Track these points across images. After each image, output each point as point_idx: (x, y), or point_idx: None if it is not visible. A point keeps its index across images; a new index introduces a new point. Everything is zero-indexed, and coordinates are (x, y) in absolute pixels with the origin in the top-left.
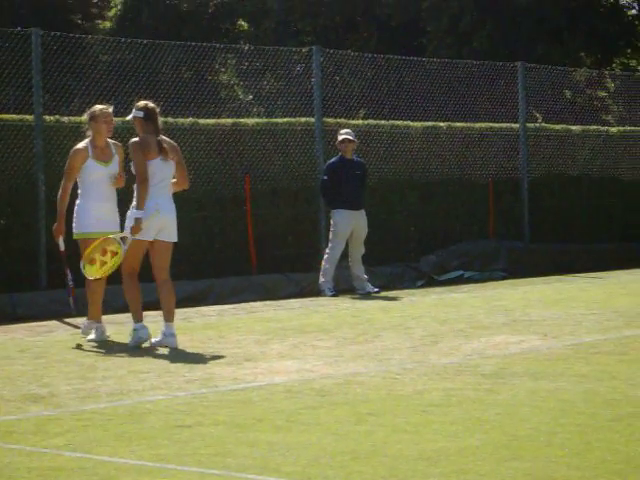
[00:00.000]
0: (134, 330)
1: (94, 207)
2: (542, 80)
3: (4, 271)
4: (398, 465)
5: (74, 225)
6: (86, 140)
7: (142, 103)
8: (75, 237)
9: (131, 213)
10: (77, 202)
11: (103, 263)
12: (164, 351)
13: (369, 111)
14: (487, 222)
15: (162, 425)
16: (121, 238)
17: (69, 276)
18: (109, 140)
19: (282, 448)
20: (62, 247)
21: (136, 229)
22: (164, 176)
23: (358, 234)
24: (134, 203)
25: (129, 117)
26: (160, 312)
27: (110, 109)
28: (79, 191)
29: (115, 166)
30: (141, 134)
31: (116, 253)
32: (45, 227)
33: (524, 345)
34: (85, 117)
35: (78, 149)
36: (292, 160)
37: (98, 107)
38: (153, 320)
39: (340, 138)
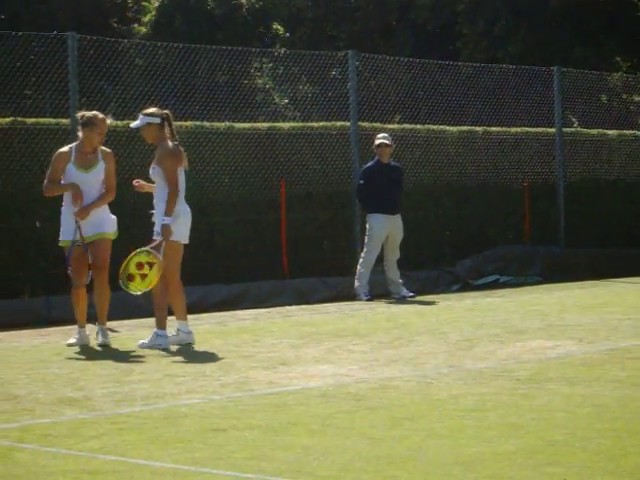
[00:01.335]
0: (166, 337)
1: (71, 214)
2: (578, 84)
3: (39, 274)
4: (433, 470)
5: (60, 231)
6: (72, 144)
7: (154, 109)
8: (60, 244)
9: (159, 219)
10: (61, 209)
11: (144, 276)
12: (199, 355)
13: (405, 115)
14: (523, 226)
15: (197, 428)
16: (152, 247)
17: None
18: (102, 147)
19: (317, 452)
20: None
21: (168, 234)
22: (183, 181)
23: (394, 238)
24: (158, 209)
25: (136, 124)
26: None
27: (107, 120)
28: (63, 196)
29: (98, 174)
30: (155, 141)
31: (153, 263)
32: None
33: (560, 350)
34: (79, 118)
35: (61, 152)
36: (327, 164)
37: (98, 115)
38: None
39: (377, 142)
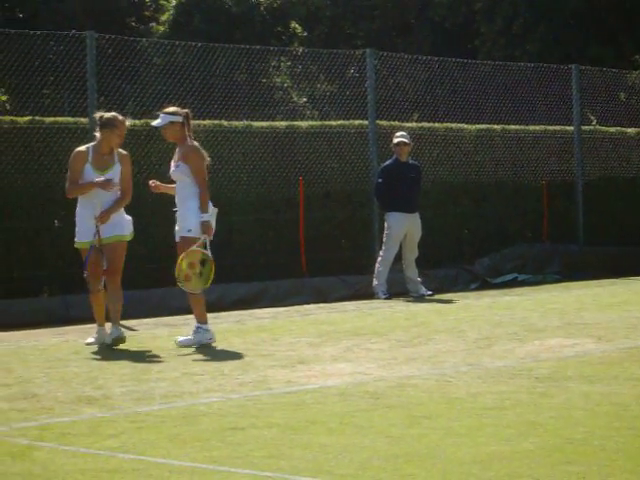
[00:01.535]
0: (206, 330)
1: (87, 216)
2: (596, 82)
3: (57, 273)
4: (451, 468)
5: (76, 232)
6: (90, 144)
7: (176, 108)
8: (75, 246)
9: (197, 217)
10: (76, 210)
11: (199, 274)
12: (218, 353)
13: (423, 114)
14: (541, 225)
15: (215, 427)
16: (197, 245)
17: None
18: (119, 149)
19: (335, 451)
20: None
21: (209, 231)
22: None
23: (412, 237)
24: (190, 207)
25: (158, 123)
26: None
27: (127, 122)
28: (78, 198)
29: (113, 176)
30: (177, 139)
31: (205, 260)
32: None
33: (578, 348)
34: (97, 119)
35: (79, 151)
36: (346, 163)
37: (118, 117)
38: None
39: (395, 141)
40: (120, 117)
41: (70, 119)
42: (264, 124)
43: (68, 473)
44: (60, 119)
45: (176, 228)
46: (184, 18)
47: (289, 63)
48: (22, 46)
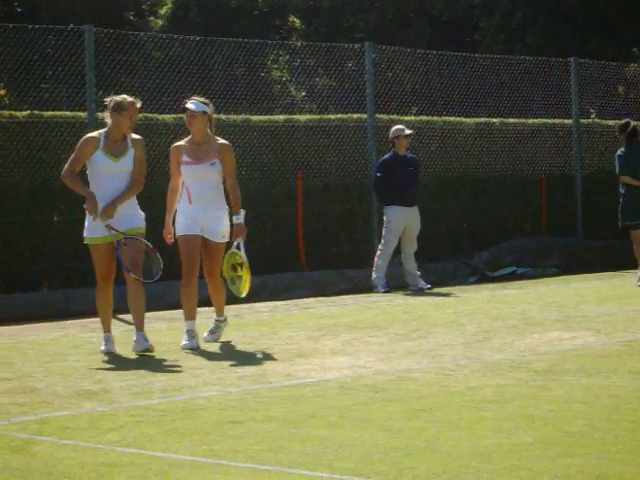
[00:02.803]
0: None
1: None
2: (595, 75)
3: (57, 267)
4: (451, 461)
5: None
6: (101, 130)
7: (204, 98)
8: (85, 242)
9: (234, 218)
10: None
11: (242, 278)
12: (217, 347)
13: (421, 107)
14: (540, 218)
15: (215, 421)
16: (237, 247)
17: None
18: (132, 135)
19: (335, 444)
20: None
21: (244, 233)
22: None
23: (411, 230)
24: (224, 208)
25: (194, 108)
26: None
27: (138, 104)
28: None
29: (127, 162)
30: (203, 132)
31: (241, 263)
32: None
33: (577, 341)
34: (108, 103)
35: (90, 136)
36: (344, 156)
37: (127, 98)
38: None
39: (394, 134)
40: (129, 99)
41: (69, 113)
42: (263, 118)
43: (68, 467)
44: (59, 113)
45: (198, 228)
46: (182, 12)
47: (287, 57)
48: (20, 40)
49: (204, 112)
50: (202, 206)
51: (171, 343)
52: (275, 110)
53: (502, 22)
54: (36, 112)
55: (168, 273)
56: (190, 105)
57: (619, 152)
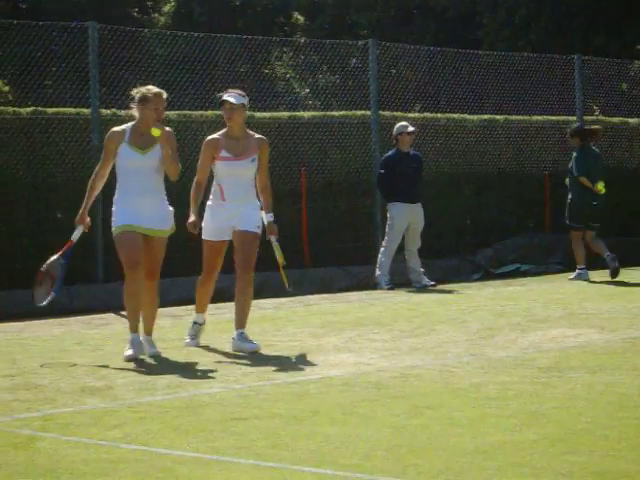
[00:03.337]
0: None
1: (128, 201)
2: (599, 73)
3: None
4: (454, 458)
5: (112, 221)
6: (129, 123)
7: (240, 90)
8: (113, 232)
9: (265, 217)
10: (114, 198)
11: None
12: (221, 344)
13: (425, 104)
14: (543, 215)
15: (218, 417)
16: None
17: (48, 260)
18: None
19: (338, 441)
20: (74, 237)
21: (276, 232)
22: None
23: (414, 227)
24: (257, 206)
25: (234, 100)
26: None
27: (164, 94)
28: (117, 184)
29: (155, 156)
30: (240, 127)
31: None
32: (102, 220)
33: (581, 338)
34: (133, 95)
35: (114, 131)
36: (348, 153)
37: (151, 89)
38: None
39: (398, 131)
40: (154, 90)
41: (72, 110)
42: (266, 115)
43: (71, 463)
44: (62, 110)
45: (227, 234)
46: (186, 8)
47: (291, 54)
48: (24, 37)
49: (243, 105)
50: (236, 204)
51: (174, 340)
52: (279, 107)
53: (506, 19)
54: (40, 108)
55: (169, 270)
56: (230, 98)
57: (575, 154)
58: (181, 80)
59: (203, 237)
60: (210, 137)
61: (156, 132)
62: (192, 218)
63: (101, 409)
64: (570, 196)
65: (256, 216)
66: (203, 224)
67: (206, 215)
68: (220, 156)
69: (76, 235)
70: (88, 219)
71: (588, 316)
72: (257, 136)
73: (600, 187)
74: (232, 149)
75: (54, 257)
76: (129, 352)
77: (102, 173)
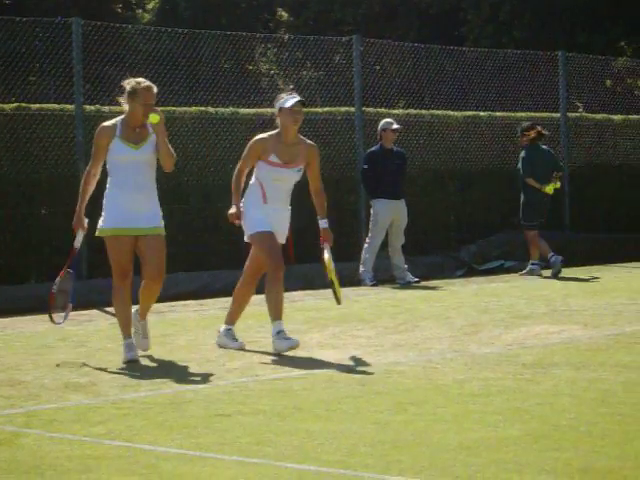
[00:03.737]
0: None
1: (122, 198)
2: (583, 69)
3: (44, 260)
4: (438, 454)
5: (102, 215)
6: (118, 117)
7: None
8: (97, 234)
9: (320, 222)
10: (105, 192)
11: (333, 284)
12: (204, 340)
13: (409, 101)
14: None
15: (202, 414)
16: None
17: (57, 280)
18: None
19: (322, 437)
20: (76, 244)
21: (332, 238)
22: None
23: (398, 224)
24: (289, 207)
25: (299, 101)
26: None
27: (154, 89)
28: (108, 179)
29: (148, 150)
30: (295, 131)
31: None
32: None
33: (565, 335)
34: (124, 86)
35: (104, 126)
36: (332, 150)
37: (141, 83)
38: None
39: (382, 127)
40: (144, 83)
41: (56, 106)
42: (250, 111)
43: (54, 460)
44: (46, 106)
45: (275, 227)
46: (170, 5)
47: (275, 50)
48: (8, 33)
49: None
50: (275, 208)
51: (159, 336)
52: (263, 103)
53: (490, 15)
54: (23, 104)
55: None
56: (297, 100)
57: (522, 154)
58: (165, 76)
59: (255, 230)
60: (260, 137)
61: (155, 118)
62: (234, 209)
63: (85, 405)
64: (523, 196)
65: (287, 227)
66: (248, 219)
67: (250, 210)
68: (268, 160)
69: (78, 241)
70: (86, 221)
71: (572, 313)
72: (307, 142)
73: (548, 189)
74: (282, 155)
75: (61, 273)
76: (129, 355)
77: (94, 172)
